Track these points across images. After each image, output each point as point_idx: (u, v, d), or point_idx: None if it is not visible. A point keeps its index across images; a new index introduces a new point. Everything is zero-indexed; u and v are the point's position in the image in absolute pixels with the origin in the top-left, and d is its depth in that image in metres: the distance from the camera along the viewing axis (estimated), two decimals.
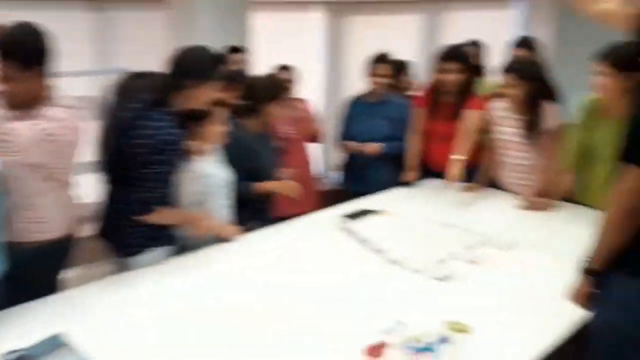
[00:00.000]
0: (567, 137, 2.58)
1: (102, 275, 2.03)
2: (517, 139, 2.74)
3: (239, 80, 2.70)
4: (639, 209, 1.33)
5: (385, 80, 3.13)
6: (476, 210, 2.69)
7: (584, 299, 1.51)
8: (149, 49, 4.01)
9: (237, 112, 2.47)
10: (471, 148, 2.90)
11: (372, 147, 3.04)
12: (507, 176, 2.88)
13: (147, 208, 1.94)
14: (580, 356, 1.56)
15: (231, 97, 2.53)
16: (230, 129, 2.34)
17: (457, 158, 2.76)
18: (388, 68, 3.13)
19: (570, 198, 2.66)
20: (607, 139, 2.38)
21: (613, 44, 2.26)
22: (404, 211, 2.60)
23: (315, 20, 5.03)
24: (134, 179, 1.92)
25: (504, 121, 2.79)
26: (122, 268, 2.06)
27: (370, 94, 3.19)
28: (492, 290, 1.85)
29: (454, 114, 2.93)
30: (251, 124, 2.50)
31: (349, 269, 2.05)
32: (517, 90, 2.63)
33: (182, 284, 1.93)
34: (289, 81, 3.37)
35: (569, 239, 2.20)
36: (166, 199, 2.00)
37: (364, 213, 2.53)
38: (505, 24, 5.50)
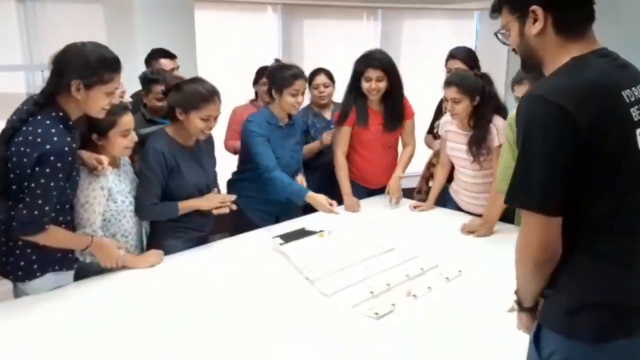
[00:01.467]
0: (500, 156, 2.42)
1: None
2: (464, 156, 2.59)
3: (156, 82, 2.45)
4: (552, 257, 1.14)
5: (328, 91, 3.03)
6: (420, 233, 2.52)
7: (529, 330, 1.33)
8: None
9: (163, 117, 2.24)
10: (427, 164, 2.80)
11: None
12: (457, 193, 2.76)
13: (30, 227, 1.68)
14: None
15: (150, 100, 2.28)
16: (148, 138, 2.10)
17: (399, 175, 2.62)
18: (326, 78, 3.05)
19: (509, 217, 2.53)
20: None
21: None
22: (343, 231, 2.39)
23: (269, 21, 4.82)
24: (16, 194, 1.67)
25: (452, 137, 2.67)
26: (16, 293, 1.84)
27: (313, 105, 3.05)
28: (431, 330, 1.66)
29: (385, 125, 2.80)
30: (174, 133, 2.21)
31: (277, 298, 1.85)
32: (461, 105, 2.49)
33: (83, 313, 1.71)
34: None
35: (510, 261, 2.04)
36: (55, 218, 1.75)
37: (299, 234, 2.32)
38: (465, 33, 5.43)
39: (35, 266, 1.79)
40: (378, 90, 2.74)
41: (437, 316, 1.73)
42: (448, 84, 2.52)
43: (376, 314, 1.70)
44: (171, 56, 3.13)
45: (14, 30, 3.64)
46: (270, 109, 2.65)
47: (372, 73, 2.70)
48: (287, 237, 2.27)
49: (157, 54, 3.13)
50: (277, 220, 2.66)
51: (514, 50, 1.30)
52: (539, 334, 1.21)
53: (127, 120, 1.95)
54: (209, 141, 2.36)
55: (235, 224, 2.55)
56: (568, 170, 1.08)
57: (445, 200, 2.87)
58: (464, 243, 2.39)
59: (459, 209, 2.77)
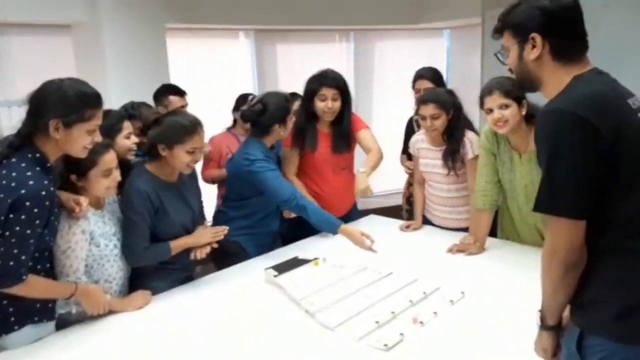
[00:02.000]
0: (478, 171, 2.45)
1: None
2: (439, 170, 2.63)
3: (134, 118, 2.34)
4: (580, 261, 1.20)
5: None
6: (414, 253, 2.46)
7: (548, 354, 1.34)
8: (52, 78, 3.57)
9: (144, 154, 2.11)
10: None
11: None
12: (434, 209, 2.77)
13: (7, 279, 1.55)
14: None
15: (128, 135, 2.15)
16: (131, 176, 1.99)
17: (363, 171, 2.53)
18: None
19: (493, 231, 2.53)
20: (510, 174, 2.31)
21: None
22: (336, 257, 2.30)
23: (242, 47, 4.77)
24: None
25: (424, 154, 2.70)
26: None
27: None
28: (443, 358, 1.58)
29: (334, 148, 2.72)
30: (156, 170, 2.07)
31: (278, 334, 1.75)
32: (439, 120, 2.53)
33: None
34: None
35: (514, 282, 2.01)
36: (33, 267, 1.62)
37: (292, 263, 2.23)
38: (437, 51, 5.49)
39: (12, 319, 1.65)
40: (333, 111, 2.65)
41: (446, 343, 1.66)
42: (425, 101, 2.55)
43: (385, 345, 1.61)
44: (181, 93, 3.06)
45: None
46: (262, 142, 2.49)
47: (327, 91, 2.62)
48: (281, 268, 2.17)
49: (167, 90, 3.04)
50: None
51: (509, 70, 1.40)
52: (582, 342, 1.23)
53: (109, 158, 1.82)
54: (192, 174, 2.24)
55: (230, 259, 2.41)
56: (594, 177, 1.16)
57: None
58: (460, 261, 2.34)
59: (431, 225, 2.80)
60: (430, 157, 2.68)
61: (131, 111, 2.46)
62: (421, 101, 2.58)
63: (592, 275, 1.22)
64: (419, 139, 2.73)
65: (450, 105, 2.54)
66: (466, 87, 5.03)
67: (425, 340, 1.67)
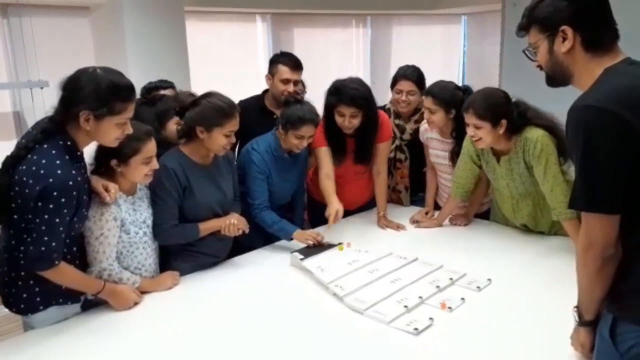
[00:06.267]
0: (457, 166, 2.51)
1: None
2: (448, 163, 2.64)
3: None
4: (615, 255, 1.21)
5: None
6: (436, 239, 2.47)
7: (586, 349, 1.36)
8: (71, 60, 3.56)
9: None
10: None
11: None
12: (444, 198, 2.77)
13: (40, 264, 1.58)
14: None
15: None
16: (163, 156, 1.99)
17: (381, 214, 2.66)
18: None
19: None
20: (493, 174, 2.35)
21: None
22: (360, 243, 2.32)
23: (259, 31, 4.75)
24: (18, 223, 1.57)
25: (434, 144, 2.70)
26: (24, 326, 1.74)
27: None
28: (473, 343, 1.59)
29: (357, 159, 2.62)
30: (191, 152, 2.06)
31: (308, 317, 1.77)
32: (436, 116, 2.49)
33: (95, 344, 1.61)
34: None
35: (539, 270, 2.03)
36: (66, 253, 1.65)
37: (317, 247, 2.24)
38: (454, 37, 5.45)
39: (38, 299, 1.67)
40: (352, 127, 2.48)
41: (476, 329, 1.67)
42: (426, 93, 2.52)
43: (416, 329, 1.63)
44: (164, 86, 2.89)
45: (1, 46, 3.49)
46: (277, 136, 2.42)
47: (345, 110, 2.42)
48: (306, 252, 2.18)
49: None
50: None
51: (539, 66, 1.38)
52: (615, 329, 1.22)
53: (152, 147, 1.82)
54: (229, 158, 2.23)
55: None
56: (628, 171, 1.15)
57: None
58: (484, 248, 2.34)
59: None
60: (439, 149, 2.67)
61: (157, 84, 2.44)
62: (424, 92, 2.56)
63: (628, 267, 1.22)
64: (428, 128, 2.68)
65: (453, 103, 2.46)
66: (483, 76, 5.03)
67: (454, 325, 1.68)
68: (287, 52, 2.87)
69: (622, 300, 1.24)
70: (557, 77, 1.34)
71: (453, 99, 2.47)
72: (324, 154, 2.55)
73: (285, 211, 2.53)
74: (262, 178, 2.36)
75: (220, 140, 2.00)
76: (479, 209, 2.71)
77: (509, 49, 4.45)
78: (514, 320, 1.70)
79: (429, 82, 2.71)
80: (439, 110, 2.47)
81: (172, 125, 2.14)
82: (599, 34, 1.26)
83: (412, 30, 5.37)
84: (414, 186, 2.94)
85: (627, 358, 1.21)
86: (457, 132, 2.54)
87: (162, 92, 2.52)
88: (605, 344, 1.25)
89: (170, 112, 2.12)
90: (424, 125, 2.73)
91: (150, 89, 2.71)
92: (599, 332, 1.29)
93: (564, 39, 1.27)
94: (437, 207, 2.83)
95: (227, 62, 4.47)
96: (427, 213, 2.77)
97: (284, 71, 2.69)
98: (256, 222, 2.31)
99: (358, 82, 2.49)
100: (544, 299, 1.79)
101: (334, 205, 2.35)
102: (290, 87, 2.68)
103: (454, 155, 2.56)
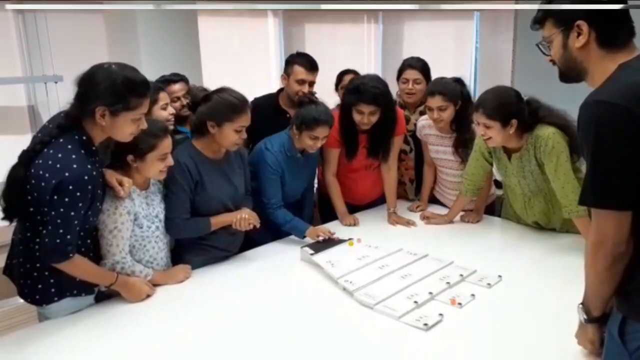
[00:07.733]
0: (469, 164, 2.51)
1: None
2: (451, 157, 2.66)
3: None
4: (626, 252, 1.19)
5: None
6: (444, 236, 2.47)
7: (594, 346, 1.36)
8: (85, 55, 3.59)
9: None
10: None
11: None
12: (448, 193, 2.80)
13: (55, 256, 1.61)
14: None
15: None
16: (176, 150, 2.01)
17: (392, 211, 2.69)
18: None
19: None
20: (505, 171, 2.35)
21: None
22: (370, 239, 2.33)
23: (270, 27, 4.76)
24: (34, 216, 1.60)
25: (434, 140, 2.71)
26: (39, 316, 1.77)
27: None
28: (482, 339, 1.59)
29: (370, 154, 2.64)
30: (202, 146, 2.08)
31: (317, 311, 1.78)
32: (447, 112, 2.52)
33: (108, 336, 1.64)
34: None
35: (549, 267, 2.03)
36: (80, 245, 1.67)
37: (328, 243, 2.26)
38: (466, 34, 5.40)
39: (52, 290, 1.70)
40: (370, 124, 2.51)
41: (486, 325, 1.67)
42: (432, 93, 2.52)
43: (425, 325, 1.63)
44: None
45: (12, 43, 3.53)
46: (291, 136, 2.44)
47: (365, 108, 2.44)
48: (317, 247, 2.20)
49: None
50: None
51: (551, 61, 1.37)
52: (624, 328, 1.21)
53: (168, 144, 1.85)
54: (241, 153, 2.25)
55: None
56: (638, 168, 1.13)
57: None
58: (493, 245, 2.35)
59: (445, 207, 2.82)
60: (439, 144, 2.69)
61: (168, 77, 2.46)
62: (428, 92, 2.55)
63: (638, 265, 1.20)
64: (426, 124, 2.71)
65: (458, 96, 2.52)
66: (495, 73, 4.99)
67: (464, 321, 1.69)
68: (303, 53, 2.89)
69: (632, 299, 1.23)
70: (570, 73, 1.33)
71: (457, 92, 2.53)
72: (334, 156, 2.62)
73: (295, 208, 2.54)
74: (275, 178, 2.39)
75: (230, 135, 2.02)
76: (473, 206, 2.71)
77: (522, 47, 4.43)
78: (524, 317, 1.70)
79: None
80: (450, 106, 2.51)
81: (158, 111, 2.15)
82: (615, 30, 1.25)
83: (424, 27, 5.33)
84: (419, 179, 2.94)
85: (635, 357, 1.20)
86: (457, 125, 2.57)
87: (173, 85, 2.53)
88: (615, 343, 1.25)
89: (152, 97, 2.11)
90: (421, 122, 2.75)
91: (161, 82, 2.72)
92: (609, 331, 1.28)
93: (579, 34, 1.25)
94: (437, 202, 2.84)
95: (238, 58, 4.48)
96: (417, 207, 2.80)
97: (300, 72, 2.72)
98: (266, 218, 2.32)
99: (377, 79, 2.52)
100: (555, 297, 1.78)
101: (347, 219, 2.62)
102: (306, 88, 2.71)
103: (458, 147, 2.58)
